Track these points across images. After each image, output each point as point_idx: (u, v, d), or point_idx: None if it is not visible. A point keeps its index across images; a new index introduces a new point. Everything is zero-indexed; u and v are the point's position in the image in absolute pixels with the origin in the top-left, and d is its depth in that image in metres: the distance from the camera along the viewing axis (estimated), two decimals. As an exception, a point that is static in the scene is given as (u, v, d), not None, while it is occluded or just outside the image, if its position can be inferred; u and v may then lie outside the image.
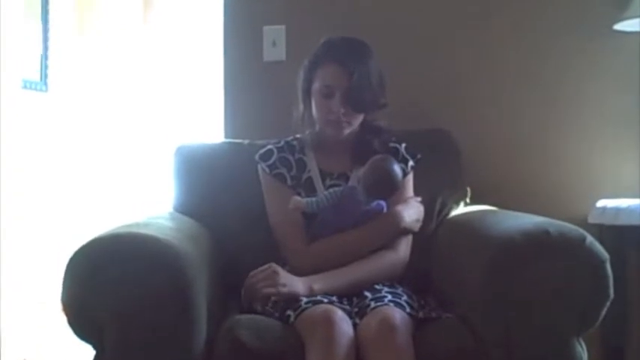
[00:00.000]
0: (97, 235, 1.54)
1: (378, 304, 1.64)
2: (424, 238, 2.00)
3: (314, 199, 1.88)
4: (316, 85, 1.93)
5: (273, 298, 1.72)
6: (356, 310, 1.67)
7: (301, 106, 2.01)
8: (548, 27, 2.43)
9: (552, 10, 2.43)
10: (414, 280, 1.90)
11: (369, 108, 1.93)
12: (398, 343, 1.51)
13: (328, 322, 1.53)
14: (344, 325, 1.55)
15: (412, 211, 1.91)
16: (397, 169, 1.88)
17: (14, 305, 2.86)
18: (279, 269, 1.73)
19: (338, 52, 1.92)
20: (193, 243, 1.69)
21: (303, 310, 1.63)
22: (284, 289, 1.70)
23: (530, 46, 2.44)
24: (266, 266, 1.73)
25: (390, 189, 1.88)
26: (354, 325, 1.58)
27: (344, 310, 1.63)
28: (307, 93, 1.97)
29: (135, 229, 1.58)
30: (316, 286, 1.74)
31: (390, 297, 1.68)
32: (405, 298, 1.70)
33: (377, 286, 1.76)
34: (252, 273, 1.74)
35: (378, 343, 1.51)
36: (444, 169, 2.17)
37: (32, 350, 2.97)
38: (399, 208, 1.89)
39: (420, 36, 2.47)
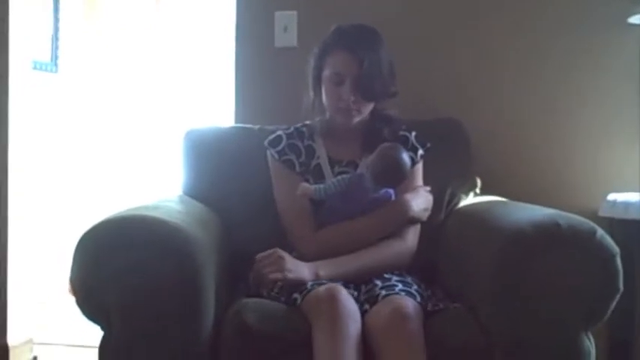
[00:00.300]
0: (105, 218, 1.54)
1: (390, 292, 1.64)
2: (433, 228, 1.99)
3: (322, 185, 1.87)
4: (326, 73, 1.92)
5: (279, 283, 1.72)
6: (365, 297, 1.67)
7: (311, 93, 2.00)
8: (561, 19, 2.40)
9: (565, 2, 2.40)
10: (421, 269, 1.90)
11: (379, 96, 1.92)
12: (410, 332, 1.51)
13: (333, 299, 1.54)
14: (349, 303, 1.55)
15: (420, 200, 1.91)
16: (406, 157, 1.87)
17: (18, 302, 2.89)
18: (285, 254, 1.73)
19: (348, 39, 1.91)
20: (202, 227, 1.69)
21: (309, 291, 1.64)
22: (290, 275, 1.70)
23: (542, 38, 2.42)
24: (271, 251, 1.73)
25: (398, 177, 1.87)
26: (363, 313, 1.58)
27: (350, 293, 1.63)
28: (317, 80, 1.97)
29: (144, 212, 1.58)
30: (322, 272, 1.74)
31: (400, 286, 1.68)
32: (415, 287, 1.70)
33: (386, 275, 1.76)
34: (258, 257, 1.74)
35: (390, 332, 1.51)
36: (453, 159, 2.16)
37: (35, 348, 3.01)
38: (408, 196, 1.89)
39: (431, 25, 2.46)
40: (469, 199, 2.14)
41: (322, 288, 1.61)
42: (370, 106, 1.95)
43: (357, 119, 1.94)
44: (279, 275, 1.69)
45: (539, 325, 1.51)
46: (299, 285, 1.69)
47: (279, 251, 1.73)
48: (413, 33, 2.44)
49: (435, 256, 1.98)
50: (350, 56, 1.87)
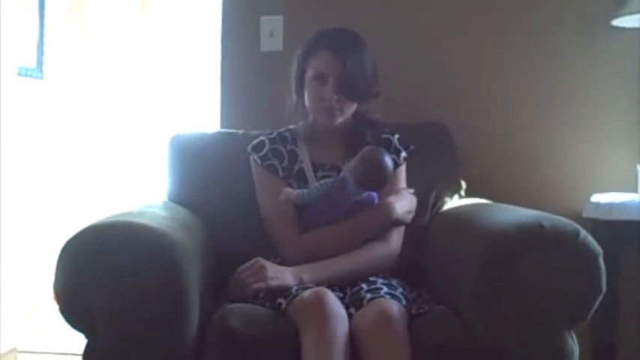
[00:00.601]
0: (90, 224, 1.54)
1: (375, 295, 1.64)
2: (418, 230, 1.99)
3: (304, 190, 1.87)
4: (309, 74, 1.93)
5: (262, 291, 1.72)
6: (350, 300, 1.67)
7: (294, 96, 2.01)
8: (546, 21, 2.42)
9: (550, 4, 2.42)
10: (406, 272, 1.90)
11: (362, 96, 1.93)
12: (395, 336, 1.52)
13: (319, 302, 1.54)
14: (336, 305, 1.56)
15: (404, 203, 1.91)
16: (388, 160, 1.88)
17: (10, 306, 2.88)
18: (266, 263, 1.74)
19: (332, 40, 1.92)
20: (187, 232, 1.69)
21: (295, 296, 1.64)
22: (273, 282, 1.70)
23: (527, 40, 2.43)
24: (252, 261, 1.74)
25: (380, 180, 1.87)
26: (349, 316, 1.58)
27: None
28: (300, 82, 1.97)
29: (129, 218, 1.58)
30: (305, 277, 1.74)
31: (385, 289, 1.68)
32: (400, 290, 1.70)
33: (371, 278, 1.76)
34: (239, 269, 1.74)
35: (376, 335, 1.51)
36: (438, 162, 2.17)
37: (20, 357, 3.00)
38: (391, 199, 1.89)
39: (416, 29, 2.47)
40: (454, 202, 2.15)
41: (308, 292, 1.61)
42: (353, 107, 1.95)
43: (339, 120, 1.94)
44: (262, 284, 1.69)
45: (523, 326, 1.52)
46: (284, 290, 1.69)
47: (261, 260, 1.74)
48: (398, 37, 2.44)
49: (420, 258, 1.99)
50: (333, 56, 1.88)
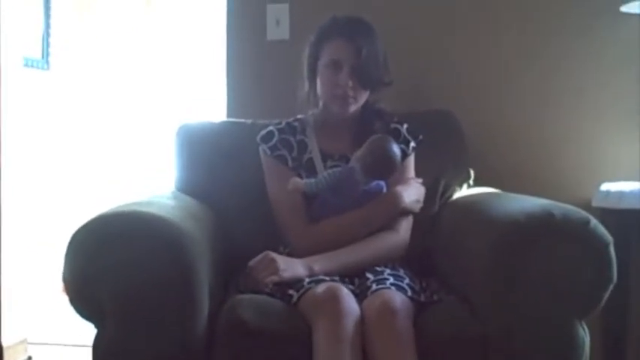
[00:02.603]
0: (99, 214, 1.54)
1: (380, 286, 1.63)
2: (427, 220, 1.99)
3: (313, 180, 1.87)
4: (323, 61, 1.92)
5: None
6: (357, 291, 1.66)
7: (306, 84, 2.00)
8: (554, 7, 2.40)
9: (558, -10, 2.41)
10: (416, 262, 1.90)
11: (376, 84, 1.93)
12: (398, 328, 1.51)
13: (334, 298, 1.53)
14: (350, 300, 1.55)
15: (412, 192, 1.91)
16: (395, 148, 1.87)
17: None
18: (276, 255, 1.73)
19: (345, 27, 1.91)
20: (196, 222, 1.69)
21: (307, 290, 1.63)
22: (286, 274, 1.69)
23: (534, 26, 2.41)
24: (262, 255, 1.73)
25: (388, 168, 1.87)
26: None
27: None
28: (313, 70, 1.96)
29: (138, 208, 1.57)
30: (316, 267, 1.73)
31: (391, 280, 1.67)
32: (407, 281, 1.69)
33: (378, 268, 1.76)
34: (250, 264, 1.74)
35: (378, 327, 1.51)
36: (447, 151, 2.16)
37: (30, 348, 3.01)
38: (399, 188, 1.88)
39: (423, 17, 2.45)
40: (463, 191, 2.14)
41: (322, 287, 1.60)
42: (365, 96, 1.94)
43: (352, 108, 1.93)
44: (274, 278, 1.69)
45: (533, 315, 1.51)
46: (295, 281, 1.68)
47: (270, 254, 1.73)
48: (405, 25, 2.42)
49: (429, 247, 1.98)
50: (347, 44, 1.88)
